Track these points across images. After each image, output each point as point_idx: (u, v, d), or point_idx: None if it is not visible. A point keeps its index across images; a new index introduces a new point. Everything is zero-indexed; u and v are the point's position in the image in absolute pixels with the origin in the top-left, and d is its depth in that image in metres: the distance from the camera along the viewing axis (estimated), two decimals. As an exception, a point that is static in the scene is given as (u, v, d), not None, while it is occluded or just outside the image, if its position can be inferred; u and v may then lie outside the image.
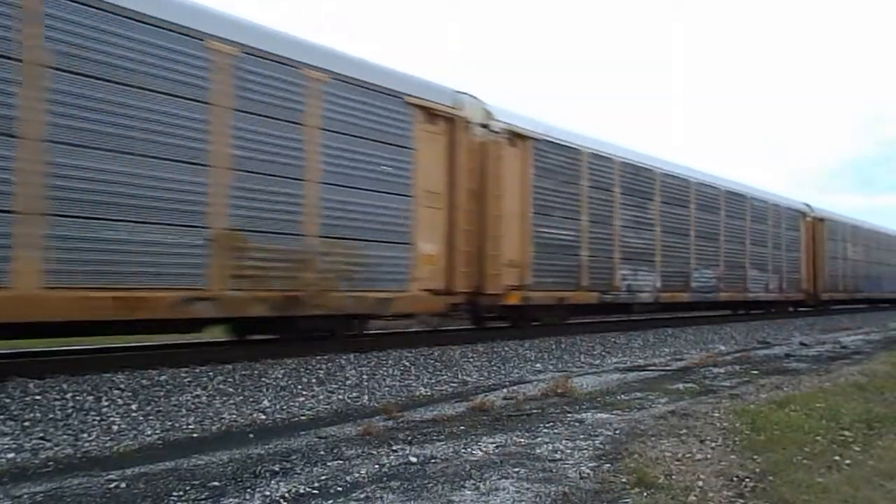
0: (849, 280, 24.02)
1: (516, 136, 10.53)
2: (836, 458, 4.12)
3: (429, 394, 7.05)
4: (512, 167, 10.42)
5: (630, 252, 12.86)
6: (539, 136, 10.94)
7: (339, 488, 3.56)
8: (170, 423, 5.26)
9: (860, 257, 25.21)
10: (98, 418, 5.15)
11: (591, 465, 3.98)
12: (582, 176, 11.77)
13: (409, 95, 8.75)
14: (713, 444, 4.43)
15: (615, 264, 12.48)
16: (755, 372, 8.37)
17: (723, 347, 12.45)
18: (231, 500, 3.40)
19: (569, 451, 4.31)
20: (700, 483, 3.58)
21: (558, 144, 11.33)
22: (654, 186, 13.64)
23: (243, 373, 6.69)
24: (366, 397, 6.66)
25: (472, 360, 8.85)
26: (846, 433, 4.73)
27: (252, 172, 7.11)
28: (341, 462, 4.10)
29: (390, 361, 7.99)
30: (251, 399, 6.07)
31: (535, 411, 5.75)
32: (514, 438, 4.67)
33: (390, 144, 8.52)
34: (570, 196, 11.52)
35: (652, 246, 13.54)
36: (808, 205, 21.57)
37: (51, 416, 5.05)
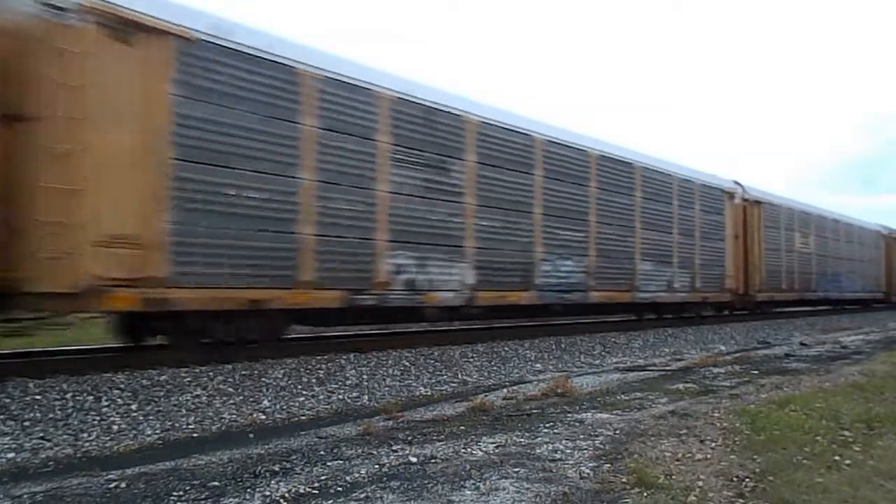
0: (797, 278, 19.57)
1: (133, 27, 6.25)
2: (836, 458, 4.12)
3: (429, 394, 7.05)
4: (120, 78, 6.17)
5: (413, 232, 8.71)
6: (194, 34, 6.65)
7: (339, 488, 3.56)
8: (170, 423, 5.26)
9: (813, 250, 20.74)
10: (98, 418, 5.15)
11: (591, 465, 3.98)
12: (303, 110, 7.54)
13: None
14: (713, 444, 4.43)
15: (380, 249, 8.28)
16: (755, 372, 8.37)
17: (723, 347, 12.45)
18: (231, 499, 3.41)
19: (569, 451, 4.31)
20: (700, 483, 3.58)
21: (243, 55, 7.05)
22: (463, 140, 9.47)
23: (243, 373, 6.68)
24: (366, 397, 6.66)
25: (472, 360, 8.85)
26: (846, 433, 4.73)
27: None
28: (341, 462, 4.11)
29: (390, 361, 7.99)
30: (251, 399, 6.07)
31: (535, 411, 5.75)
32: (514, 438, 4.67)
33: None
34: (274, 139, 7.26)
35: (458, 224, 9.33)
36: (738, 183, 17.11)
37: (51, 416, 5.06)
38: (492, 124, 10.02)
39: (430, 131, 9.03)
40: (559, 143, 11.19)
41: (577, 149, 11.62)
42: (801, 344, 12.55)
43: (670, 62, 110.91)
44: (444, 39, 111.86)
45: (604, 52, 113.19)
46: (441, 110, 9.24)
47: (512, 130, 10.34)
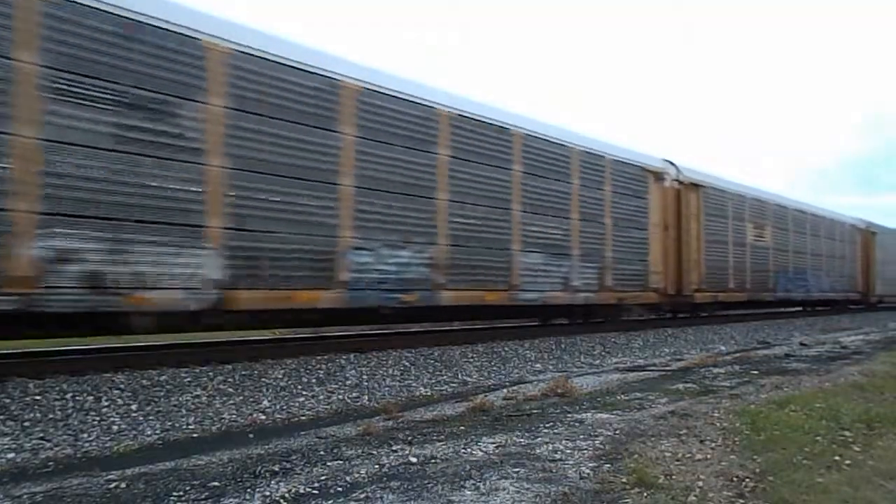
0: (749, 276, 16.94)
1: None
2: (836, 458, 4.12)
3: (429, 394, 7.05)
4: None
5: (96, 201, 5.97)
6: None
7: (339, 488, 3.56)
8: (170, 423, 5.26)
9: (770, 244, 18.02)
10: (98, 418, 5.16)
11: (591, 465, 3.98)
12: None
13: None
14: (713, 444, 4.42)
15: (20, 226, 5.59)
16: (755, 372, 8.36)
17: (723, 347, 12.45)
18: (231, 500, 3.41)
19: (569, 451, 4.31)
20: (700, 483, 3.58)
21: None
22: (203, 75, 6.71)
23: (243, 373, 6.69)
24: (366, 397, 6.66)
25: (472, 360, 8.85)
26: (846, 433, 4.73)
27: None
28: (341, 462, 4.11)
29: (390, 361, 7.99)
30: (251, 399, 6.08)
31: (535, 411, 5.75)
32: (514, 438, 4.67)
33: None
34: None
35: (194, 193, 6.65)
36: (670, 162, 14.23)
37: (51, 416, 5.06)
38: (257, 57, 7.15)
39: (132, 56, 6.21)
40: (385, 95, 8.43)
41: (418, 104, 8.85)
42: (801, 344, 12.55)
43: (670, 62, 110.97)
44: (440, 36, 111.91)
45: (604, 51, 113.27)
46: (155, 27, 6.37)
47: (298, 70, 7.51)
